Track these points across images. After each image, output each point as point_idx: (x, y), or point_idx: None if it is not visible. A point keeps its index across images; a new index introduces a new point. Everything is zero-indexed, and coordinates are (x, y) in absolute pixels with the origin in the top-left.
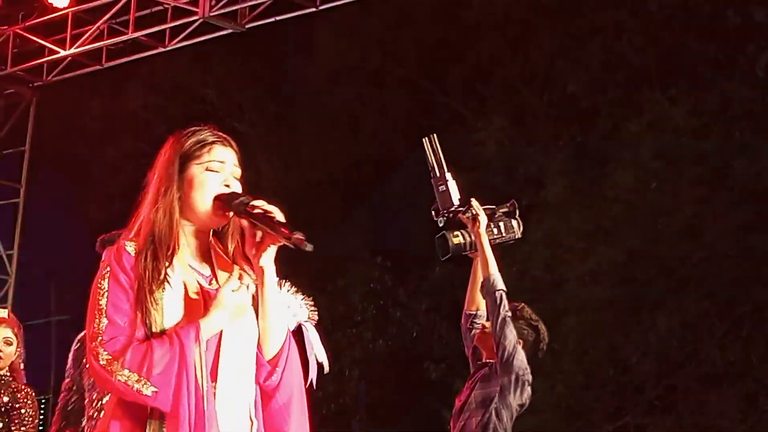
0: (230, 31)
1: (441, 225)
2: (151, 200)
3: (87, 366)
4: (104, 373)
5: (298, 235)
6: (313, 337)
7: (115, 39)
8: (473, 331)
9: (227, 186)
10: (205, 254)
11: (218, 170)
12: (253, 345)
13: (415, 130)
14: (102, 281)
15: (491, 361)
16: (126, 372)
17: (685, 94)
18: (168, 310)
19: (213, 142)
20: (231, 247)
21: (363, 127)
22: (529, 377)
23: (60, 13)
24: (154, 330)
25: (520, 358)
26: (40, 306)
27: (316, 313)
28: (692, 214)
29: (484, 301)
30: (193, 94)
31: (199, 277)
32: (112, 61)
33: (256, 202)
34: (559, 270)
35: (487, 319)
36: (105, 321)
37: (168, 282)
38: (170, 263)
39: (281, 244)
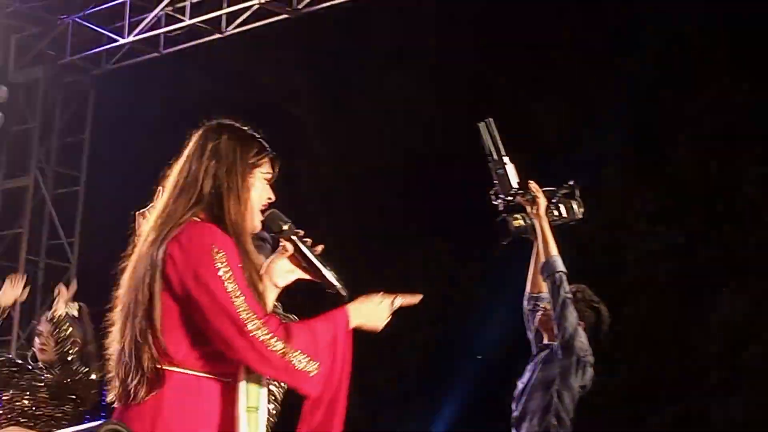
0: (286, 16)
1: (501, 208)
2: (216, 187)
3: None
4: (271, 355)
5: (339, 284)
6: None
7: (172, 26)
8: (535, 313)
9: (270, 199)
10: None
11: (269, 183)
12: None
13: (472, 114)
14: (220, 264)
15: (552, 343)
16: (298, 354)
17: (746, 73)
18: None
19: (272, 155)
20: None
21: (421, 110)
22: (591, 359)
23: (118, 1)
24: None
25: (581, 340)
26: (100, 294)
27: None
28: (753, 193)
29: (545, 283)
30: (250, 80)
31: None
32: (169, 48)
33: (306, 240)
34: (620, 252)
35: (548, 302)
36: (245, 303)
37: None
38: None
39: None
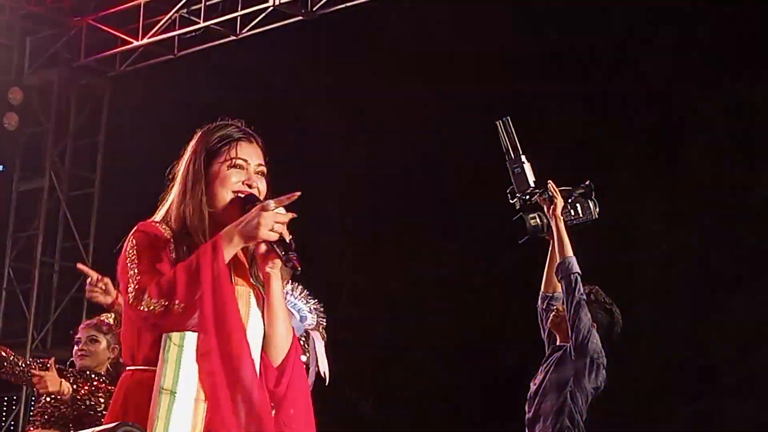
0: (301, 18)
1: (518, 207)
2: (178, 194)
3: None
4: (133, 312)
5: (293, 257)
6: (318, 347)
7: (186, 28)
8: (549, 314)
9: (249, 185)
10: None
11: (241, 167)
12: (258, 342)
13: (487, 115)
14: (131, 251)
15: (566, 344)
16: (153, 301)
17: (761, 76)
18: None
19: (238, 139)
20: (251, 246)
21: (435, 112)
22: (604, 360)
23: (132, 3)
24: None
25: (595, 341)
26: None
27: (325, 319)
28: None
29: (560, 284)
30: (264, 82)
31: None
32: (184, 51)
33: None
34: (634, 253)
35: (562, 302)
36: (138, 276)
37: None
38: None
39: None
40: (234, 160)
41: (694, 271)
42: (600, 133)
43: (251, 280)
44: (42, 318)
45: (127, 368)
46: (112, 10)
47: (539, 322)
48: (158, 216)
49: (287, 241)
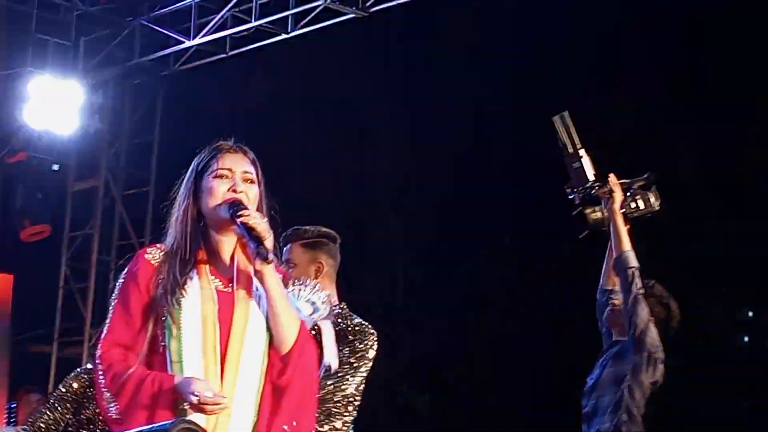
0: (353, 16)
1: (577, 202)
2: (173, 213)
3: None
4: (96, 380)
5: (262, 249)
6: (326, 338)
7: (238, 27)
8: (607, 308)
9: (234, 191)
10: (229, 258)
11: (225, 176)
12: (262, 343)
13: (545, 110)
14: (116, 290)
15: (623, 338)
16: (106, 391)
17: None
18: (186, 318)
19: (221, 151)
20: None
21: (490, 108)
22: (662, 355)
23: (185, 3)
24: (171, 332)
25: (652, 336)
26: None
27: (338, 307)
28: None
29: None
30: (316, 81)
31: (218, 281)
32: (236, 50)
33: (245, 211)
34: (693, 247)
35: (618, 297)
36: (107, 329)
37: (185, 290)
38: (188, 273)
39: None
40: (218, 171)
41: (754, 264)
42: (659, 126)
43: (255, 282)
44: (98, 317)
45: None
46: (165, 10)
47: (597, 315)
48: (164, 238)
49: (264, 235)
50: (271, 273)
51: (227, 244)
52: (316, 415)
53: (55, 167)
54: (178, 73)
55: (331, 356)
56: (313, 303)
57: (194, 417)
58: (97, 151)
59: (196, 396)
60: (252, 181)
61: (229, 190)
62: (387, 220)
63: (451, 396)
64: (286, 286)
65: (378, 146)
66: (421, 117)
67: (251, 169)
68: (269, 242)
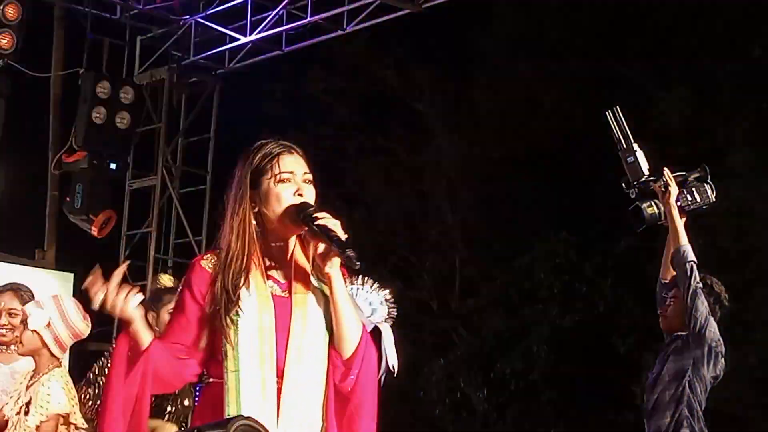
0: (408, 11)
1: (633, 197)
2: (227, 220)
3: None
4: None
5: (351, 253)
6: (387, 339)
7: (294, 24)
8: (666, 302)
9: (300, 195)
10: (287, 261)
11: (289, 180)
12: (322, 346)
13: (597, 103)
14: (176, 299)
15: (683, 333)
16: None
17: None
18: (242, 328)
19: (279, 153)
20: (311, 252)
21: (544, 102)
22: (723, 349)
23: (239, 0)
24: (228, 342)
25: (713, 330)
26: None
27: (395, 310)
28: None
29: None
30: (372, 76)
31: (275, 285)
32: (291, 46)
33: (320, 215)
34: (749, 239)
35: (676, 291)
36: (163, 337)
37: (239, 307)
38: (245, 282)
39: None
40: (280, 175)
41: None
42: (712, 119)
43: (312, 283)
44: None
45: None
46: (220, 8)
47: (658, 309)
48: (219, 242)
49: (343, 239)
50: (338, 276)
51: (287, 246)
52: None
53: (113, 166)
54: (234, 71)
55: (394, 358)
56: (371, 303)
57: None
58: (154, 150)
59: None
60: (311, 182)
61: (294, 194)
62: (442, 215)
63: (508, 391)
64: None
65: (432, 141)
66: (478, 110)
67: (308, 169)
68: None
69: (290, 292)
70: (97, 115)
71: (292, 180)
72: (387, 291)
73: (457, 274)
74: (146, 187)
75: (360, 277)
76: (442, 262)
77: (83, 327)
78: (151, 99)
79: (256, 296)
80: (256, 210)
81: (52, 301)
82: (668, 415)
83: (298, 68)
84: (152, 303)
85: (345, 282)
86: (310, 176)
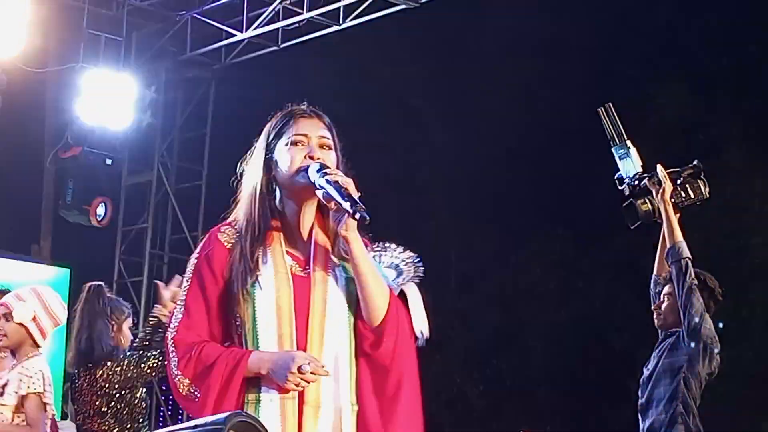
0: (404, 6)
1: (626, 193)
2: (244, 188)
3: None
4: (168, 369)
5: (361, 209)
6: (413, 301)
7: (290, 20)
8: (661, 298)
9: (311, 158)
10: (307, 238)
11: (302, 142)
12: (345, 326)
13: (592, 98)
14: (190, 270)
15: (678, 329)
16: (179, 374)
17: None
18: (260, 307)
19: (295, 116)
20: (331, 223)
21: (539, 97)
22: (718, 345)
23: None
24: (245, 320)
25: (708, 326)
26: None
27: (422, 268)
28: None
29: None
30: (368, 72)
31: (293, 263)
32: (287, 42)
33: (331, 171)
34: (744, 236)
35: (671, 288)
36: (181, 314)
37: (258, 274)
38: (263, 252)
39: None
40: (293, 137)
41: None
42: (706, 115)
43: (333, 261)
44: (152, 309)
45: None
46: (217, 4)
47: (652, 305)
48: (233, 215)
49: (353, 195)
50: (356, 238)
51: (305, 218)
52: None
53: (109, 162)
54: (230, 66)
55: (421, 322)
56: (397, 266)
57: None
58: (150, 146)
59: (306, 366)
60: (329, 147)
61: (305, 157)
62: (438, 210)
63: (504, 387)
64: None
65: (430, 137)
66: (473, 105)
67: (327, 134)
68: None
69: (310, 271)
70: (93, 111)
71: (305, 143)
72: (410, 252)
73: (453, 270)
74: (142, 182)
75: (381, 242)
76: (438, 257)
77: (63, 316)
78: (147, 94)
79: (274, 273)
80: (273, 176)
81: (32, 294)
82: (663, 410)
83: (295, 64)
84: (112, 312)
85: (368, 249)
86: (328, 141)
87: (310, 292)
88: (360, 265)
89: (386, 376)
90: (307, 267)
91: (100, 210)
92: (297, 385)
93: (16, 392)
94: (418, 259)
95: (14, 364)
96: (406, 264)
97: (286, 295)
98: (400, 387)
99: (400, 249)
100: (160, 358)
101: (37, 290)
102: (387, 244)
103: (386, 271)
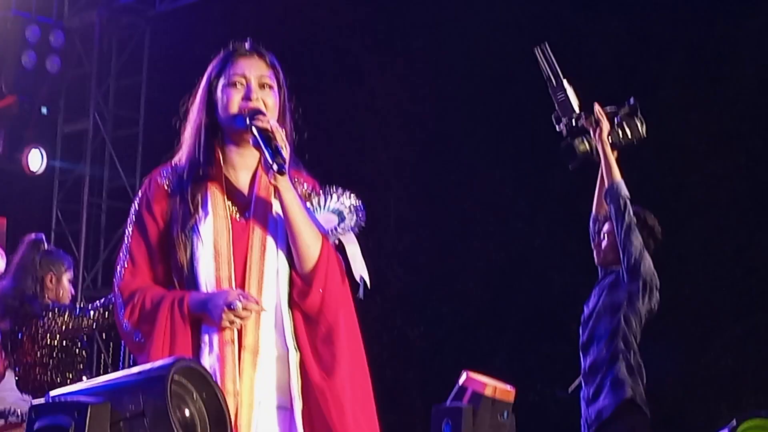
0: None
1: (564, 134)
2: (187, 126)
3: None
4: (116, 316)
5: (280, 160)
6: (352, 250)
7: None
8: (600, 236)
9: (249, 99)
10: (250, 181)
11: (240, 83)
12: (283, 272)
13: (528, 37)
14: (132, 215)
15: (618, 267)
16: (125, 321)
17: None
18: (197, 244)
19: (235, 56)
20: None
21: (475, 35)
22: (657, 282)
23: None
24: (183, 264)
25: (647, 264)
26: None
27: (364, 216)
28: None
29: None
30: (303, 18)
31: (234, 208)
32: None
33: (260, 117)
34: (681, 173)
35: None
36: (125, 260)
37: (198, 217)
38: (202, 196)
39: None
40: (231, 77)
41: (742, 190)
42: (642, 54)
43: (274, 204)
44: (91, 258)
45: None
46: None
47: (592, 245)
48: (176, 156)
49: (279, 144)
50: (287, 187)
51: (248, 161)
52: None
53: (44, 110)
54: (164, 14)
55: (362, 270)
56: (340, 212)
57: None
58: (85, 94)
59: (236, 302)
60: (270, 87)
61: (243, 98)
62: (375, 152)
63: (444, 328)
64: (312, 197)
65: (363, 77)
66: (407, 47)
67: (269, 72)
68: (286, 152)
69: (249, 216)
70: (27, 60)
71: (243, 83)
72: (354, 197)
73: (392, 212)
74: (79, 131)
75: (326, 186)
76: (377, 200)
77: None
78: (81, 42)
79: (213, 217)
80: (214, 118)
81: None
82: (603, 348)
83: (230, 9)
84: (51, 264)
85: (312, 194)
86: (268, 81)
87: (249, 238)
88: (290, 213)
89: (316, 325)
90: (247, 212)
91: (34, 158)
92: (231, 323)
93: None
94: (362, 207)
95: None
96: (349, 211)
97: (225, 239)
98: (332, 335)
99: (347, 194)
100: (101, 311)
101: None
102: (334, 189)
103: (328, 216)
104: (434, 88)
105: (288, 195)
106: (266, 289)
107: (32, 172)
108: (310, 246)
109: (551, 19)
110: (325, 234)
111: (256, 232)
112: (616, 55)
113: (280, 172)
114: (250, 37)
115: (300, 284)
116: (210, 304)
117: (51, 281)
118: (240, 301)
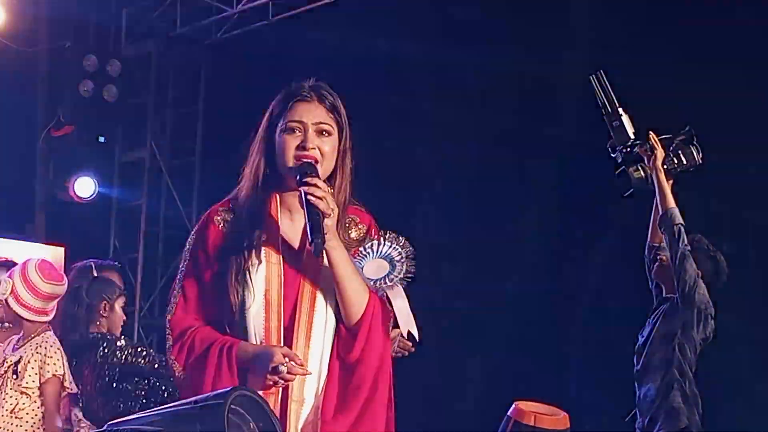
0: None
1: (619, 161)
2: (247, 165)
3: None
4: (168, 352)
5: (317, 239)
6: (399, 305)
7: None
8: (654, 264)
9: (304, 148)
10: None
11: (297, 128)
12: (332, 320)
13: (584, 70)
14: (187, 251)
15: (673, 295)
16: (172, 358)
17: None
18: (248, 292)
19: (294, 99)
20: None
21: (505, 60)
22: (712, 310)
23: None
24: (235, 310)
25: (702, 292)
26: None
27: (413, 269)
28: None
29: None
30: (364, 46)
31: (287, 253)
32: (279, 15)
33: (310, 181)
34: (740, 203)
35: (666, 253)
36: (177, 298)
37: (251, 264)
38: (257, 240)
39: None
40: (288, 123)
41: None
42: (697, 79)
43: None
44: (148, 286)
45: None
46: None
47: (647, 273)
48: (234, 192)
49: (319, 219)
50: (334, 246)
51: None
52: None
53: (101, 139)
54: (222, 42)
55: (409, 325)
56: (392, 259)
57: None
58: (142, 123)
59: (281, 366)
60: (329, 133)
61: (299, 147)
62: (432, 184)
63: (501, 359)
64: (365, 241)
65: (427, 114)
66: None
67: (327, 117)
68: (330, 220)
69: (303, 263)
70: (85, 89)
71: (301, 130)
72: (407, 243)
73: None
74: (136, 159)
75: (381, 229)
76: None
77: (45, 287)
78: (138, 72)
79: (266, 265)
80: (265, 163)
81: (18, 267)
82: (659, 377)
83: (287, 38)
84: (102, 292)
85: (366, 238)
86: (327, 126)
87: (299, 286)
88: (337, 271)
89: (351, 375)
90: (300, 259)
91: (83, 185)
92: (275, 384)
93: (38, 374)
94: (413, 255)
95: (23, 343)
96: (401, 260)
97: (276, 288)
98: (361, 388)
99: (401, 240)
100: (153, 357)
101: (27, 263)
102: (389, 234)
103: (380, 262)
104: (489, 127)
105: (335, 256)
106: (314, 341)
107: (81, 198)
108: (356, 304)
109: (604, 43)
110: (373, 290)
111: (307, 281)
112: (672, 84)
113: (316, 253)
114: (309, 62)
115: (344, 336)
116: (256, 362)
117: (105, 309)
118: (285, 364)
